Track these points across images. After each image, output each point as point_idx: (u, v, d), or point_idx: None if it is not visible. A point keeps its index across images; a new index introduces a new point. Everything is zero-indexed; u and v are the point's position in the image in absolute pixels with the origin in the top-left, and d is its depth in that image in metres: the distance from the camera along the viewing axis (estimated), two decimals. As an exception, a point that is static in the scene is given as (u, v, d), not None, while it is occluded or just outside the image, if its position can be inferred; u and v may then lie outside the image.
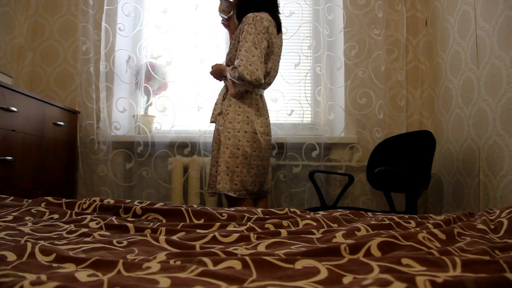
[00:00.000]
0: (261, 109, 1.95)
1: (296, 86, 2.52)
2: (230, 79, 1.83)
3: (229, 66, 1.91)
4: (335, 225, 1.04)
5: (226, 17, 2.09)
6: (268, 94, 2.44)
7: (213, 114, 1.99)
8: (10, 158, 1.75)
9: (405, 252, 0.71)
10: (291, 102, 2.47)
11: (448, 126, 2.22)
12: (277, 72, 2.00)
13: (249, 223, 1.04)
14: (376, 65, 2.47)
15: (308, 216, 1.12)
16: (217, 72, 2.00)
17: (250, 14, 1.84)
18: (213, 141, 1.92)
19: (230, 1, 2.03)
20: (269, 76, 1.95)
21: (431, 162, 1.91)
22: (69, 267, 0.62)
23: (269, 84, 2.00)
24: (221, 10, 2.05)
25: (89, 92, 2.44)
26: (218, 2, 2.04)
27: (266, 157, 1.93)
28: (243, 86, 1.83)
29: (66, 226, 0.97)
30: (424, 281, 0.45)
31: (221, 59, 2.48)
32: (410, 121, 2.54)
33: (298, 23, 2.49)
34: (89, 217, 1.06)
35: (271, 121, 2.46)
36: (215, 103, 2.00)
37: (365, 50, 2.47)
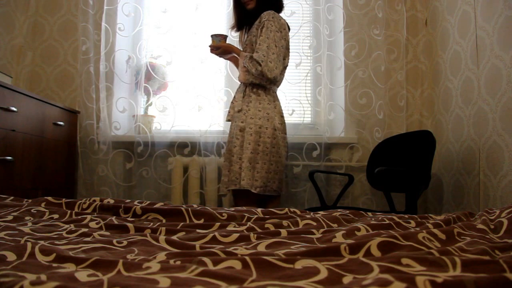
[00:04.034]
0: (278, 107, 1.99)
1: (296, 86, 2.52)
2: (247, 66, 1.88)
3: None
4: (335, 225, 1.04)
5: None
6: (268, 94, 2.44)
7: (229, 112, 2.01)
8: (10, 158, 1.75)
9: (405, 252, 0.71)
10: (292, 102, 2.47)
11: (448, 126, 2.22)
12: None
13: (249, 223, 1.04)
14: (376, 65, 2.47)
15: (308, 216, 1.12)
16: (227, 51, 2.00)
17: (270, 11, 1.92)
18: (233, 138, 1.92)
19: (222, 35, 2.01)
20: (284, 72, 2.03)
21: (431, 162, 1.91)
22: (69, 267, 0.62)
23: (282, 79, 2.06)
24: (215, 47, 2.01)
25: (89, 92, 2.44)
26: (210, 39, 2.01)
27: (283, 154, 1.96)
28: (257, 79, 1.88)
29: (66, 226, 0.97)
30: (424, 281, 0.45)
31: (222, 60, 2.47)
32: (410, 121, 2.54)
33: (299, 23, 2.49)
34: (89, 217, 1.06)
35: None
36: (233, 101, 2.01)
37: (365, 50, 2.47)
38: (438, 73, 2.37)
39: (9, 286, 0.44)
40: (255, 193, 1.85)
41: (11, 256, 0.65)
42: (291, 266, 0.59)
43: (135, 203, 1.25)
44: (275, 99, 2.00)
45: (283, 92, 2.44)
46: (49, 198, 1.26)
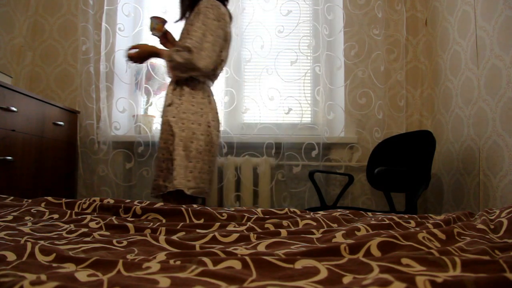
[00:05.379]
0: (212, 102, 1.86)
1: (292, 84, 2.51)
2: (173, 60, 1.70)
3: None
4: (335, 225, 1.04)
5: (158, 36, 1.93)
6: (266, 92, 2.44)
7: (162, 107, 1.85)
8: (10, 158, 1.75)
9: (405, 252, 0.71)
10: (287, 101, 2.46)
11: (448, 126, 2.22)
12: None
13: (249, 223, 1.04)
14: (375, 65, 2.47)
15: (308, 216, 1.12)
16: (144, 54, 1.81)
17: None
18: (165, 134, 1.76)
19: (160, 18, 1.88)
20: (221, 66, 1.88)
21: (431, 162, 1.91)
22: (69, 267, 0.62)
23: (219, 75, 1.93)
24: (152, 28, 1.88)
25: (89, 92, 2.44)
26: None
27: (216, 153, 1.84)
28: (186, 72, 1.72)
29: (66, 226, 0.97)
30: (424, 281, 0.45)
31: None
32: (410, 121, 2.54)
33: (296, 21, 2.48)
34: (89, 217, 1.06)
35: (270, 120, 2.46)
36: (165, 95, 1.85)
37: (365, 50, 2.47)
38: (438, 73, 2.37)
39: (9, 286, 0.44)
40: (187, 195, 1.70)
41: (11, 256, 0.65)
42: (291, 266, 0.59)
43: (135, 203, 1.25)
44: (210, 93, 1.85)
45: (278, 91, 2.44)
46: (49, 198, 1.26)
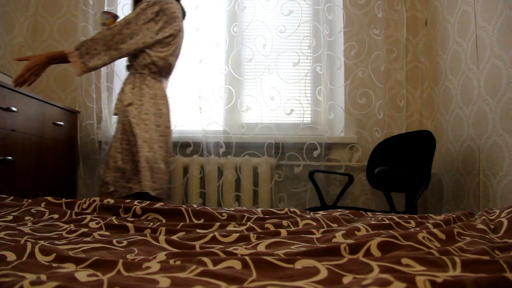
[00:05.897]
0: (167, 102, 1.87)
1: (294, 86, 2.51)
2: (81, 44, 1.67)
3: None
4: (335, 225, 1.04)
5: None
6: (268, 92, 2.44)
7: (117, 105, 1.81)
8: (10, 158, 1.75)
9: (405, 252, 0.71)
10: (289, 102, 2.46)
11: (448, 126, 2.22)
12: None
13: (249, 223, 1.05)
14: (376, 65, 2.47)
15: (308, 216, 1.12)
16: (38, 63, 1.64)
17: None
18: (126, 135, 1.73)
19: (110, 13, 1.85)
20: (175, 62, 1.89)
21: (431, 162, 1.91)
22: (69, 267, 0.62)
23: (170, 71, 1.92)
24: (102, 24, 1.85)
25: (89, 92, 2.44)
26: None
27: (171, 154, 1.88)
28: (92, 59, 1.66)
29: (66, 226, 0.97)
30: (424, 281, 0.45)
31: (221, 58, 2.48)
32: (410, 121, 2.54)
33: (297, 22, 2.49)
34: (89, 217, 1.06)
35: (269, 121, 2.46)
36: (121, 93, 1.80)
37: (365, 50, 2.47)
38: (438, 73, 2.37)
39: (9, 286, 0.44)
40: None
41: (11, 256, 0.65)
42: (291, 266, 0.59)
43: (135, 203, 1.25)
44: (165, 94, 1.86)
45: (278, 91, 2.44)
46: (49, 198, 1.26)
